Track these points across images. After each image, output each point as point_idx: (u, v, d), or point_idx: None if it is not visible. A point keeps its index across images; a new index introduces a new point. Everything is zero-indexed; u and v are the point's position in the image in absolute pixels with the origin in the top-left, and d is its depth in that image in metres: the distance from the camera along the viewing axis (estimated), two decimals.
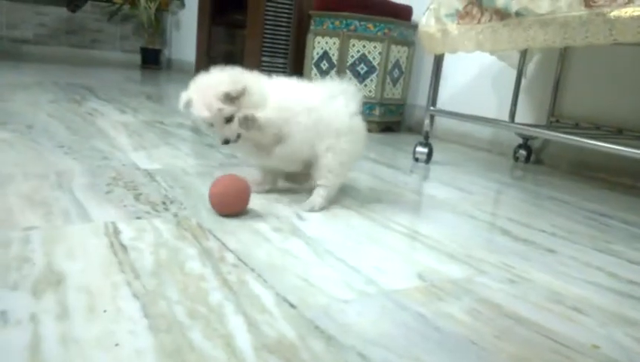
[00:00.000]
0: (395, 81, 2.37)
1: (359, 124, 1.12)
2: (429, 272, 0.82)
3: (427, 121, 1.73)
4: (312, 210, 1.06)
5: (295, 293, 0.70)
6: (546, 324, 0.69)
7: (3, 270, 0.68)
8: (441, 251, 0.92)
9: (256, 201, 1.07)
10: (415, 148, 1.75)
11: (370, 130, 2.29)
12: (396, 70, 2.35)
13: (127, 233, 0.85)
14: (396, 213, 1.12)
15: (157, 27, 4.94)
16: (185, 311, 0.62)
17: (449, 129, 2.31)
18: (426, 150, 1.73)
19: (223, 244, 0.85)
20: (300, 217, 1.02)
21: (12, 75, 3.02)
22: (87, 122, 1.78)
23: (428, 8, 1.57)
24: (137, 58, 5.02)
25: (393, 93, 2.38)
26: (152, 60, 4.96)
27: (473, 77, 2.24)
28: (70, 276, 0.68)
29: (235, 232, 0.91)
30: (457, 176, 1.58)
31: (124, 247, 0.79)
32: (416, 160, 1.74)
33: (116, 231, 0.85)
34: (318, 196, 1.07)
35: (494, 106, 2.12)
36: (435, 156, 1.79)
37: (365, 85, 2.31)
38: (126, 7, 4.82)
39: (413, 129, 2.49)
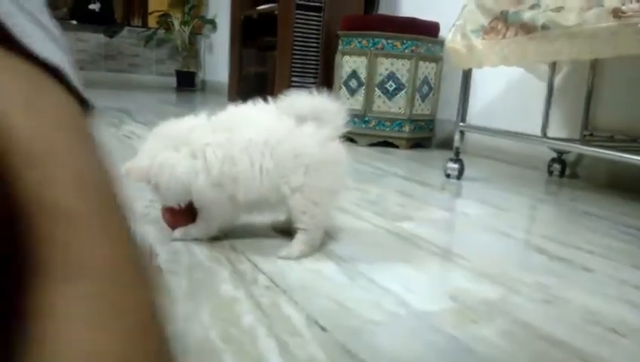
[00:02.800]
0: (424, 97, 2.37)
1: (336, 151, 0.92)
2: (462, 293, 0.81)
3: (457, 137, 1.73)
4: (288, 257, 0.89)
5: (326, 316, 0.71)
6: (582, 347, 0.67)
7: None
8: (474, 271, 0.91)
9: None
10: (446, 164, 1.74)
11: (399, 147, 2.31)
12: (425, 86, 2.35)
13: (163, 256, 0.87)
14: (428, 231, 1.11)
15: (191, 50, 5.08)
16: (218, 334, 0.64)
17: (480, 143, 2.28)
18: (457, 166, 1.72)
19: (256, 266, 0.86)
20: (331, 236, 1.03)
21: None
22: (125, 145, 1.84)
23: (454, 24, 1.57)
24: (173, 81, 5.16)
25: (422, 109, 2.38)
26: (187, 82, 5.09)
27: (503, 89, 2.22)
28: None
29: (267, 254, 0.92)
30: (490, 192, 1.56)
31: (159, 270, 0.81)
32: (448, 176, 1.73)
33: (153, 254, 0.88)
34: (298, 242, 0.91)
35: (526, 119, 2.09)
36: (467, 172, 1.77)
37: (394, 102, 2.31)
38: (161, 31, 4.98)
39: (444, 144, 2.48)
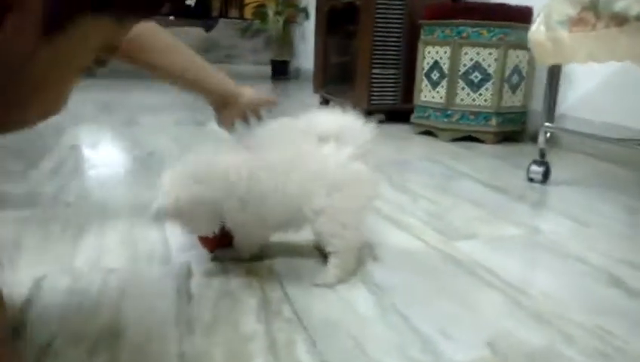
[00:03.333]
0: (514, 88, 2.18)
1: (358, 171, 0.87)
2: (503, 338, 0.73)
3: (541, 138, 1.57)
4: (325, 285, 0.86)
5: (340, 361, 0.67)
6: None
7: (75, 320, 0.74)
8: (527, 309, 0.82)
9: None
10: (529, 167, 1.59)
11: (485, 142, 2.16)
12: (515, 76, 2.17)
13: (197, 278, 0.88)
14: (488, 254, 1.02)
15: (285, 39, 5.14)
16: None
17: (577, 138, 2.07)
18: (541, 169, 1.56)
19: (285, 294, 0.84)
20: (375, 258, 0.98)
21: (153, 95, 3.33)
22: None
23: (538, 14, 1.41)
24: (268, 70, 5.26)
25: (513, 100, 2.20)
26: (281, 71, 5.17)
27: (606, 77, 1.98)
28: (128, 330, 0.72)
29: (302, 277, 0.89)
30: (576, 199, 1.41)
31: (189, 296, 0.82)
32: (531, 180, 1.58)
33: (189, 276, 0.89)
34: (332, 267, 0.87)
35: (633, 111, 1.85)
36: (557, 173, 1.61)
37: (480, 94, 2.16)
38: (257, 22, 5.08)
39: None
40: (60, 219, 1.13)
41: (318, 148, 0.86)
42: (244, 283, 0.87)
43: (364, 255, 0.99)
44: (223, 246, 0.95)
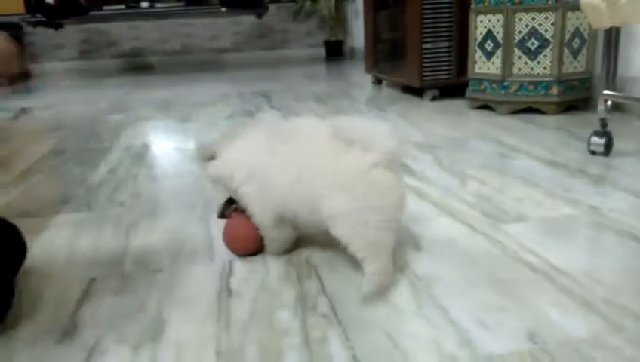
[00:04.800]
0: (575, 53, 2.05)
1: (380, 179, 0.82)
2: (545, 329, 0.70)
3: (601, 107, 1.46)
4: (371, 295, 0.80)
5: (373, 357, 0.66)
6: None
7: (121, 320, 0.78)
8: (574, 295, 0.77)
9: None
10: (590, 138, 1.49)
11: (547, 113, 2.04)
12: (576, 40, 2.03)
13: (238, 274, 0.90)
14: (536, 238, 0.97)
15: (338, 19, 5.08)
16: None
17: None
18: (602, 140, 1.46)
19: (322, 286, 0.84)
20: (417, 247, 0.96)
21: (208, 89, 3.41)
22: None
23: None
24: (322, 51, 5.24)
25: (575, 66, 2.06)
26: (335, 52, 5.13)
27: None
28: (170, 327, 0.75)
29: (340, 269, 0.89)
30: None
31: (229, 292, 0.84)
32: (592, 153, 1.49)
33: (230, 273, 0.91)
34: (371, 274, 0.81)
35: None
36: (621, 143, 1.50)
37: (538, 62, 2.04)
38: (308, 3, 5.06)
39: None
40: (112, 220, 1.19)
41: (341, 153, 0.83)
42: (282, 277, 0.88)
43: (405, 244, 0.97)
44: (251, 251, 0.97)
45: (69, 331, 0.76)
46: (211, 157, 0.95)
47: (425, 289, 0.81)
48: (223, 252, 0.99)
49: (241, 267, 0.92)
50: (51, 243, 1.07)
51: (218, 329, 0.74)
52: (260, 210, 0.91)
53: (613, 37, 1.39)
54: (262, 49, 5.31)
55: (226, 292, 0.84)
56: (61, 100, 3.24)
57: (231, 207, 0.97)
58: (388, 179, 0.82)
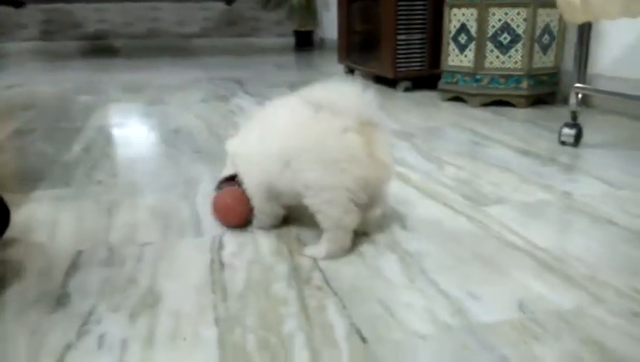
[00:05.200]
0: (545, 49, 2.12)
1: (353, 146, 0.81)
2: (534, 300, 0.73)
3: (573, 100, 1.53)
4: (313, 256, 0.86)
5: (370, 324, 0.68)
6: None
7: (113, 290, 0.77)
8: (558, 271, 0.81)
9: None
10: (561, 129, 1.55)
11: (516, 106, 2.11)
12: (546, 36, 2.10)
13: (229, 248, 0.90)
14: (517, 218, 1.01)
15: (308, 8, 5.07)
16: (256, 342, 0.65)
17: (611, 97, 2.00)
18: (573, 132, 1.53)
19: (315, 261, 0.85)
20: (403, 226, 0.98)
21: (178, 74, 3.36)
22: (228, 121, 1.92)
23: None
24: (292, 41, 5.23)
25: (544, 61, 2.14)
26: (305, 42, 5.13)
27: None
28: (166, 297, 0.75)
29: None
30: (609, 162, 1.37)
31: (221, 265, 0.84)
32: (563, 143, 1.55)
33: (220, 246, 0.91)
34: (324, 242, 0.86)
35: None
36: (589, 136, 1.57)
37: (510, 56, 2.11)
38: None
39: None
40: (92, 196, 1.16)
41: (310, 121, 0.83)
42: (274, 253, 0.89)
43: (391, 223, 1.00)
44: (239, 222, 0.97)
45: (61, 300, 0.74)
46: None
47: (415, 265, 0.84)
48: (211, 227, 0.99)
49: (231, 241, 0.93)
50: (32, 218, 1.04)
51: (215, 299, 0.74)
52: (250, 183, 0.92)
53: (585, 32, 1.45)
54: (231, 36, 5.25)
55: (218, 264, 0.85)
56: (25, 80, 3.13)
57: (223, 182, 0.98)
58: (360, 144, 0.81)
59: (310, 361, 0.61)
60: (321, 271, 0.82)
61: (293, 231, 0.97)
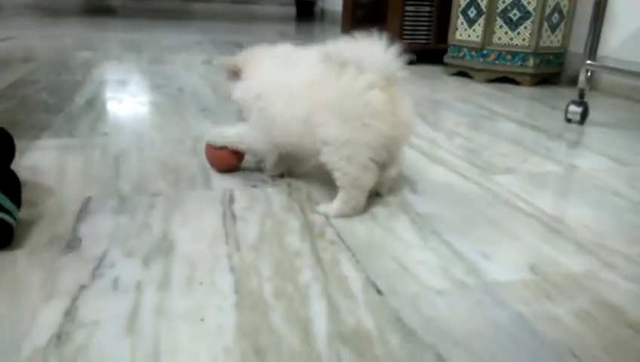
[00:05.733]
0: (554, 28, 2.10)
1: (376, 102, 0.80)
2: (545, 263, 0.74)
3: (582, 77, 1.52)
4: (325, 214, 0.86)
5: (385, 279, 0.68)
6: None
7: (125, 237, 0.76)
8: (567, 237, 0.82)
9: None
10: (567, 107, 1.55)
11: (521, 84, 2.10)
12: (556, 15, 2.09)
13: (240, 202, 0.90)
14: (526, 187, 1.02)
15: None
16: (272, 289, 0.65)
17: (617, 81, 2.00)
18: (580, 109, 1.53)
19: (327, 218, 0.85)
20: (414, 191, 0.98)
21: (179, 35, 3.31)
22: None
23: None
24: (293, 11, 5.15)
25: (552, 40, 2.12)
26: (306, 12, 5.05)
27: None
28: (180, 244, 0.75)
29: None
30: (614, 141, 1.38)
31: (234, 217, 0.84)
32: (569, 121, 1.55)
33: (231, 200, 0.91)
34: (338, 200, 0.86)
35: None
36: (595, 115, 1.58)
37: (518, 33, 2.09)
38: None
39: (577, 81, 2.21)
40: (98, 147, 1.15)
41: (334, 76, 0.82)
42: (285, 208, 0.89)
43: (402, 187, 1.00)
44: (231, 167, 1.01)
45: (72, 244, 0.74)
46: (236, 74, 0.98)
47: (427, 226, 0.84)
48: (220, 182, 0.98)
49: (241, 196, 0.92)
50: (39, 164, 1.03)
51: (229, 249, 0.74)
52: (258, 132, 0.94)
53: (601, 10, 1.44)
54: (231, 2, 5.16)
55: (230, 216, 0.84)
56: (22, 34, 3.06)
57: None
58: (384, 101, 0.81)
59: (328, 310, 0.61)
60: (333, 227, 0.82)
61: (304, 189, 0.96)
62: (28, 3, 4.85)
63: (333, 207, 0.86)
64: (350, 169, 0.83)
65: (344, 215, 0.86)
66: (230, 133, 0.98)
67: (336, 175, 0.85)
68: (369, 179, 0.85)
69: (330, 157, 0.84)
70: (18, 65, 2.06)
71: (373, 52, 0.82)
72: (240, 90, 0.96)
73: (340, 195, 0.86)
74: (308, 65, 0.87)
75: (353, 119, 0.80)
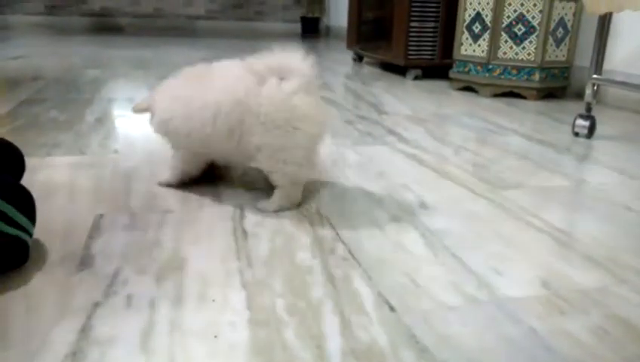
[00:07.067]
0: (559, 42, 2.12)
1: (302, 105, 0.87)
2: (557, 278, 0.74)
3: (589, 91, 1.53)
4: (265, 210, 0.92)
5: (398, 295, 0.68)
6: None
7: (137, 254, 0.77)
8: (578, 252, 0.82)
9: (381, 183, 1.06)
10: (575, 120, 1.56)
11: (527, 98, 2.11)
12: (560, 29, 2.10)
13: (251, 218, 0.90)
14: (535, 202, 1.02)
15: None
16: (285, 305, 0.65)
17: (623, 95, 2.01)
18: (587, 123, 1.53)
19: (337, 234, 0.85)
20: (424, 206, 0.99)
21: (186, 52, 3.34)
22: None
23: None
24: (298, 27, 5.20)
25: (557, 55, 2.14)
26: (311, 29, 5.10)
27: None
28: (192, 261, 0.75)
29: (351, 220, 0.91)
30: (622, 154, 1.38)
31: (245, 233, 0.84)
32: (576, 134, 1.55)
33: (242, 216, 0.91)
34: (276, 197, 0.93)
35: None
36: (602, 129, 1.58)
37: (523, 48, 2.10)
38: None
39: (582, 95, 2.22)
40: (109, 164, 1.16)
41: (258, 85, 0.87)
42: (296, 224, 0.89)
43: (411, 202, 1.00)
44: None
45: (85, 261, 0.74)
46: (146, 110, 1.00)
47: (438, 241, 0.84)
48: (230, 197, 0.98)
49: (252, 212, 0.93)
50: (50, 181, 1.04)
51: (240, 265, 0.74)
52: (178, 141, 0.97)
53: (605, 25, 1.45)
54: (236, 19, 5.22)
55: (241, 232, 0.85)
56: (31, 52, 3.10)
57: None
58: (309, 104, 0.88)
59: (341, 326, 0.61)
60: (344, 243, 0.82)
61: (312, 205, 0.97)
62: (37, 22, 4.92)
63: (272, 202, 0.93)
64: (287, 170, 0.90)
65: (284, 209, 0.93)
66: (165, 175, 1.03)
67: (274, 177, 0.91)
68: (304, 175, 0.94)
69: (265, 163, 0.90)
70: (28, 83, 2.09)
71: (294, 60, 0.89)
72: (154, 124, 0.99)
73: (279, 192, 0.92)
74: (224, 78, 0.91)
75: (284, 124, 0.86)
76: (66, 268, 0.72)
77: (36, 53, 3.09)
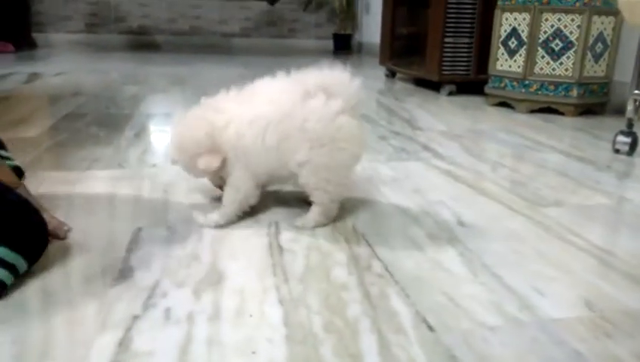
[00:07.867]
0: (597, 57, 2.07)
1: (347, 125, 0.88)
2: (601, 299, 0.71)
3: (630, 107, 1.48)
4: (304, 227, 0.92)
5: (436, 314, 0.67)
6: None
7: (176, 267, 0.78)
8: (624, 273, 0.79)
9: (416, 200, 1.05)
10: (615, 137, 1.52)
11: (565, 114, 2.07)
12: (599, 44, 2.06)
13: (286, 234, 0.90)
14: (576, 221, 0.99)
15: (348, 12, 5.08)
16: (322, 323, 0.64)
17: None
18: (629, 140, 1.49)
19: (373, 251, 0.85)
20: (461, 223, 0.97)
21: (221, 69, 3.40)
22: None
23: None
24: (330, 44, 5.24)
25: (595, 70, 2.09)
26: (343, 45, 5.13)
27: None
28: (229, 276, 0.75)
29: (387, 237, 0.90)
30: None
31: (280, 249, 0.85)
32: (617, 151, 1.51)
33: (277, 232, 0.91)
34: (314, 214, 0.92)
35: None
36: None
37: (561, 63, 2.07)
38: None
39: (622, 111, 2.16)
40: (148, 178, 1.18)
41: (304, 102, 0.87)
42: (330, 239, 0.89)
43: (449, 219, 0.98)
44: None
45: (125, 274, 0.75)
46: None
47: (477, 260, 0.82)
48: (266, 214, 0.99)
49: (287, 228, 0.93)
50: (90, 194, 1.06)
51: (277, 281, 0.74)
52: (246, 174, 0.92)
53: None
54: (270, 37, 5.30)
55: (277, 248, 0.85)
56: (72, 69, 3.21)
57: None
58: (353, 127, 0.89)
59: (378, 345, 0.60)
60: (380, 260, 0.82)
61: (348, 221, 0.96)
62: (77, 40, 5.09)
63: (310, 219, 0.93)
64: (330, 188, 0.91)
65: (320, 225, 0.93)
66: (215, 216, 0.94)
67: (316, 193, 0.91)
68: (342, 192, 0.95)
69: (309, 180, 0.90)
70: (69, 99, 2.16)
71: (342, 80, 0.89)
72: (207, 161, 0.92)
73: (317, 209, 0.93)
74: (271, 95, 0.90)
75: (329, 142, 0.87)
76: (106, 280, 0.74)
77: (77, 69, 3.19)
